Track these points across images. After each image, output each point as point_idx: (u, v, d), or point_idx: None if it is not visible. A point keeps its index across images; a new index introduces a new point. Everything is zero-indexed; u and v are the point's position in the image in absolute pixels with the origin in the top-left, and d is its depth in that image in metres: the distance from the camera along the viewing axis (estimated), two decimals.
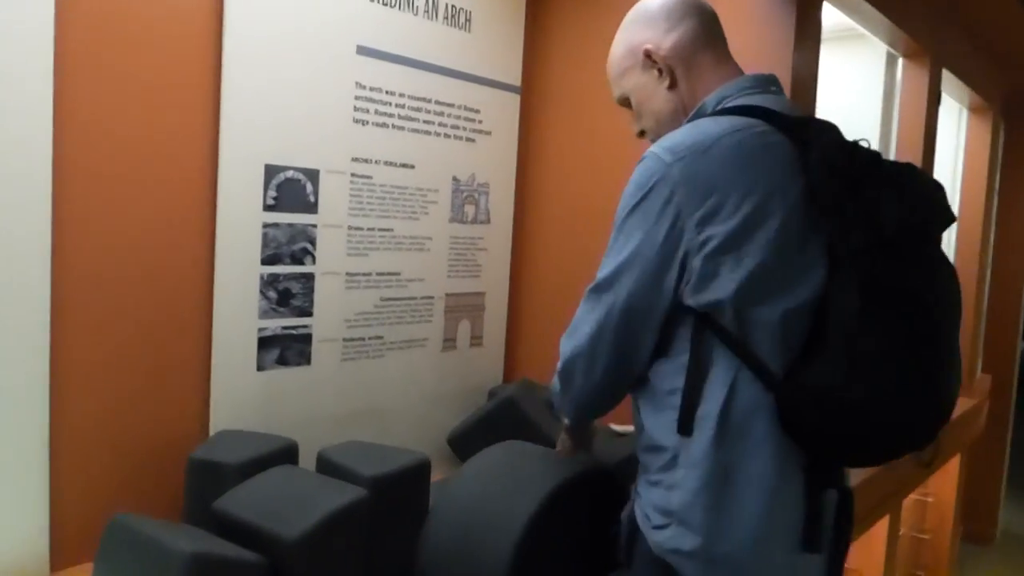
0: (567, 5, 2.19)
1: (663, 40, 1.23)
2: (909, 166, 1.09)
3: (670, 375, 1.12)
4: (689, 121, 1.19)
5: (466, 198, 2.09)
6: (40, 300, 1.33)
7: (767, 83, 1.24)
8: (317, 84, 1.69)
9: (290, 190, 1.66)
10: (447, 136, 2.01)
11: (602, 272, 1.15)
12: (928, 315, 1.03)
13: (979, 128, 3.59)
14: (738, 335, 1.07)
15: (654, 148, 1.12)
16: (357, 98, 1.77)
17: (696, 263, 1.06)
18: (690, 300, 1.08)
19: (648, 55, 1.23)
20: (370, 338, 1.88)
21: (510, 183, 2.23)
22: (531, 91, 2.24)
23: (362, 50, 1.76)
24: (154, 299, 1.50)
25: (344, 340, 1.82)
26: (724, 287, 1.05)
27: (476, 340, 2.18)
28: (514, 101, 2.19)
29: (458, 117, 2.03)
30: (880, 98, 2.73)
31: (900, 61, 2.80)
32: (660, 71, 1.23)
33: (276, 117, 1.62)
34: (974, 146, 3.59)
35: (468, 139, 2.07)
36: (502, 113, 2.16)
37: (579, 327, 1.17)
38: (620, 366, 1.16)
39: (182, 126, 1.50)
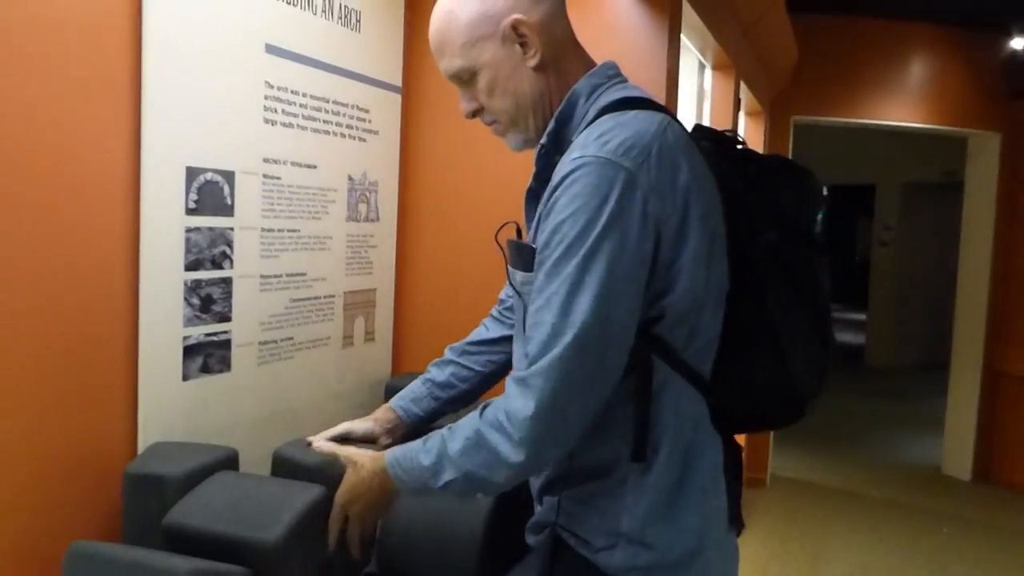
0: None
1: (531, 12, 1.07)
2: (783, 158, 1.15)
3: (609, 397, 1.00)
4: (563, 111, 1.08)
5: (359, 196, 2.12)
6: None
7: (619, 71, 1.15)
8: (231, 83, 1.64)
9: (210, 192, 1.60)
10: (343, 136, 2.02)
11: (578, 316, 0.94)
12: (822, 295, 1.10)
13: (755, 128, 4.23)
14: (680, 346, 1.01)
15: (595, 150, 0.96)
16: (267, 98, 1.74)
17: (676, 273, 0.99)
18: (653, 312, 0.99)
19: (516, 27, 1.06)
20: (282, 340, 1.86)
21: (395, 181, 2.28)
22: (411, 91, 2.31)
23: (271, 49, 1.74)
24: (76, 312, 1.39)
25: (260, 344, 1.79)
26: (694, 294, 1.00)
27: (369, 336, 2.22)
28: (396, 101, 2.25)
29: (352, 117, 2.05)
30: (695, 100, 3.15)
31: (707, 71, 3.23)
32: (525, 46, 1.07)
33: (195, 117, 1.55)
34: (751, 141, 4.22)
35: (360, 139, 2.09)
36: (387, 113, 2.21)
37: (553, 387, 0.95)
38: (595, 408, 1.00)
39: (103, 127, 1.40)
